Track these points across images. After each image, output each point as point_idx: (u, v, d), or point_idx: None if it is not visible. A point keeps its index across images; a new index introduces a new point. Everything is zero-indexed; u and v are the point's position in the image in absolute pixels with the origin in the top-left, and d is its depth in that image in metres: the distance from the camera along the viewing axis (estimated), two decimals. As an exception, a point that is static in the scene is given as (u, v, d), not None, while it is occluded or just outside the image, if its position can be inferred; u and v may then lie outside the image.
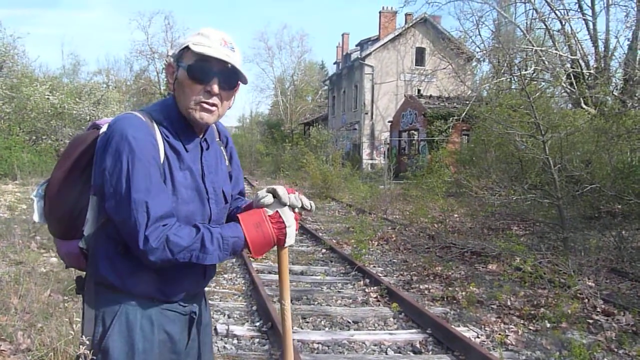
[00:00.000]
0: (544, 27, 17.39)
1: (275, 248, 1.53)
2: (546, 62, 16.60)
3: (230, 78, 1.45)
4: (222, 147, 1.66)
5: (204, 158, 1.54)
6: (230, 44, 1.45)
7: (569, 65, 16.50)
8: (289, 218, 1.47)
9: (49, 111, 19.97)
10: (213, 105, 1.44)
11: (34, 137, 20.50)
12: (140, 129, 1.39)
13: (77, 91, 22.59)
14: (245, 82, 1.49)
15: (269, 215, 1.46)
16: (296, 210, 1.50)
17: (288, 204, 1.46)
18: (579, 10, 16.39)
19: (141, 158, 1.36)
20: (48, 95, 19.97)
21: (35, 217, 1.58)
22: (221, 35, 1.45)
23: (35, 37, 78.29)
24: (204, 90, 1.43)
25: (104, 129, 1.47)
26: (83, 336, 1.39)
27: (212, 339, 4.03)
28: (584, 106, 13.95)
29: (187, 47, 1.43)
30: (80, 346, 1.36)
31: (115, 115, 1.51)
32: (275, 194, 1.47)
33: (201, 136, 1.54)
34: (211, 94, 1.43)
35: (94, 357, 1.40)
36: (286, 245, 1.49)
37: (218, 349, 3.85)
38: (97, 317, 1.45)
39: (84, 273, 1.55)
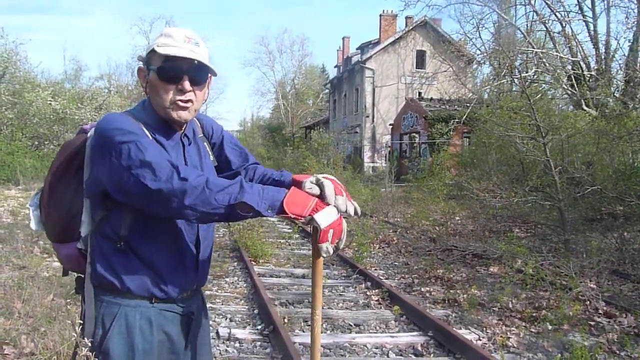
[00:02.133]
0: (545, 29, 17.41)
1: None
2: (547, 64, 16.62)
3: (200, 73, 1.48)
4: (205, 143, 1.69)
5: (186, 153, 1.58)
6: (194, 40, 1.47)
7: (569, 67, 16.52)
8: (332, 213, 1.36)
9: (51, 117, 20.07)
10: (188, 101, 1.48)
11: (37, 143, 20.59)
12: (128, 123, 1.44)
13: (79, 96, 22.69)
14: (214, 74, 1.53)
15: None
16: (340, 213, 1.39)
17: (333, 205, 1.37)
18: (579, 12, 16.43)
19: (139, 134, 1.41)
20: (50, 100, 20.07)
21: (33, 225, 1.62)
22: (184, 32, 1.48)
23: (37, 43, 78.58)
24: (176, 89, 1.46)
25: (92, 132, 1.50)
26: (85, 338, 1.41)
27: (214, 342, 4.05)
28: (585, 108, 13.95)
29: (153, 50, 1.45)
30: (82, 348, 1.37)
31: None
32: (322, 190, 1.39)
33: (181, 132, 1.58)
34: (184, 92, 1.46)
35: (96, 359, 1.42)
36: (320, 226, 1.33)
37: (220, 352, 3.86)
38: (97, 319, 1.48)
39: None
